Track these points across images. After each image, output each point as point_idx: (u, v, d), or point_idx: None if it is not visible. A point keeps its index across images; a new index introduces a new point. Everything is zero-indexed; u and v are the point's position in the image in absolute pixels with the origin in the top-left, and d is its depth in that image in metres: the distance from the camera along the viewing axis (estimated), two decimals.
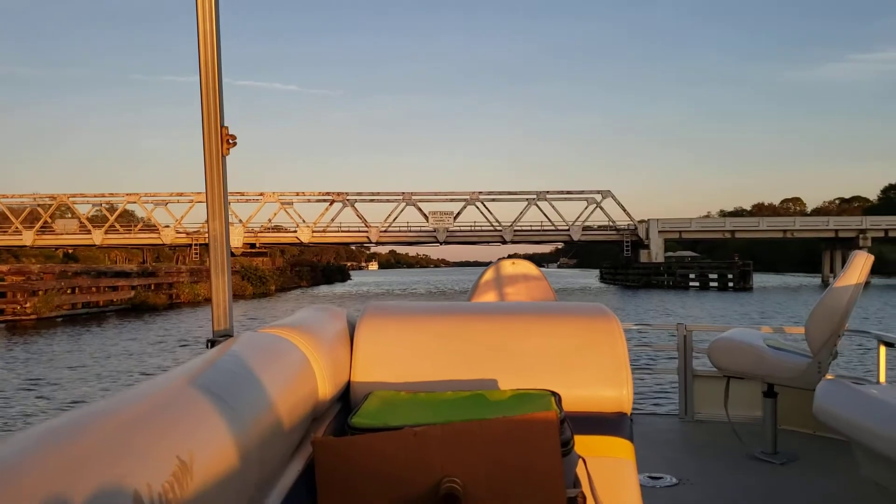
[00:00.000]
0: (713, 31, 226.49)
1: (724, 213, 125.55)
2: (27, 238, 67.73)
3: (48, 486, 0.77)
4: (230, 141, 2.13)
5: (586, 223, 70.10)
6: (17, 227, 68.26)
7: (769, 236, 73.44)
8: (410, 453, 1.42)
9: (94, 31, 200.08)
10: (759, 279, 66.34)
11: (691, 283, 64.56)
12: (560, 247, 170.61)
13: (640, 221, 70.60)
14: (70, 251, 79.13)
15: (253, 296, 55.99)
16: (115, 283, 39.15)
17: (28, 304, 31.95)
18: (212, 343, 2.04)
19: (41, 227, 69.07)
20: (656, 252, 69.26)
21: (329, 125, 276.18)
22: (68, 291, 35.55)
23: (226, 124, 2.16)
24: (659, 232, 69.81)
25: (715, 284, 63.08)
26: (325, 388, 1.80)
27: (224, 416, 1.20)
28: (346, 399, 2.10)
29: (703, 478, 4.11)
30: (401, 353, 2.15)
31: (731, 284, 61.50)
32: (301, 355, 1.76)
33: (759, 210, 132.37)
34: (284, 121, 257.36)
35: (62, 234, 69.63)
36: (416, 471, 1.41)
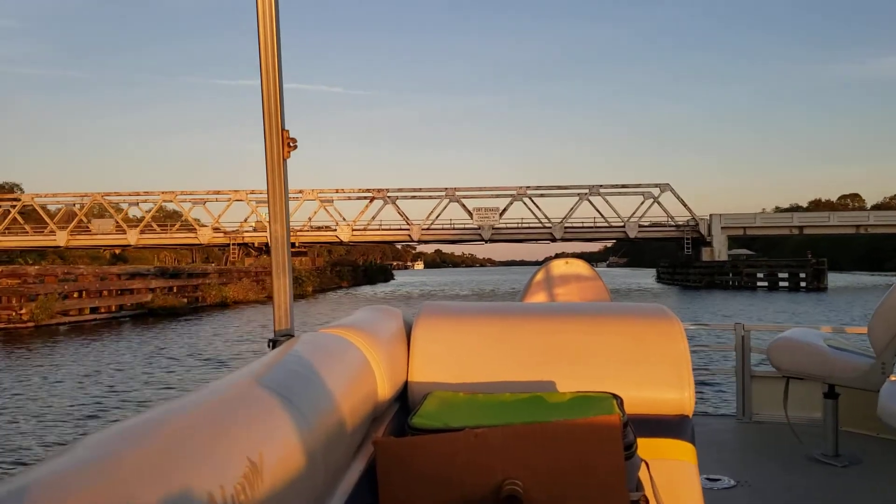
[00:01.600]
0: (765, 27, 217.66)
1: (779, 210, 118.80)
2: (60, 238, 64.70)
3: (123, 490, 0.75)
4: (290, 144, 2.08)
5: (640, 219, 64.33)
6: (52, 228, 65.25)
7: (840, 232, 66.75)
8: (471, 455, 1.40)
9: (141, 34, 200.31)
10: (830, 278, 59.86)
11: (759, 283, 58.32)
12: (609, 245, 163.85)
13: (700, 218, 64.52)
14: (117, 251, 76.50)
15: None
16: (129, 286, 34.89)
17: (24, 311, 27.81)
18: (273, 343, 1.98)
19: (79, 227, 66.11)
20: (719, 249, 62.95)
21: (372, 124, 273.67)
22: (75, 295, 31.46)
23: (286, 128, 2.14)
24: (722, 228, 63.54)
25: (785, 284, 56.65)
26: (385, 388, 1.80)
27: (290, 416, 1.19)
28: (404, 399, 2.08)
29: (762, 480, 3.93)
30: (457, 353, 2.12)
31: (803, 284, 55.17)
32: (361, 355, 1.76)
33: (817, 206, 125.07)
34: (327, 121, 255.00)
35: (97, 234, 66.49)
36: (476, 472, 1.39)
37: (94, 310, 32.30)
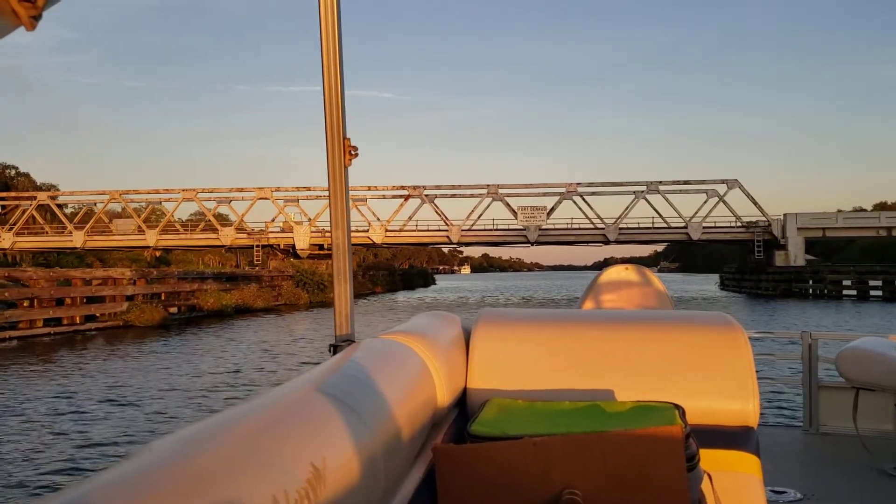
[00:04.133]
0: (834, 27, 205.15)
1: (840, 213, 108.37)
2: (77, 239, 59.04)
3: (189, 494, 0.75)
4: (352, 152, 2.10)
5: (704, 219, 55.77)
6: (70, 229, 59.69)
7: None
8: (530, 463, 1.38)
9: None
10: None
11: (845, 292, 49.47)
12: (658, 250, 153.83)
13: (773, 217, 55.71)
14: (158, 254, 71.40)
15: (309, 305, 44.71)
16: (98, 293, 28.22)
17: None
18: (334, 348, 1.99)
19: (100, 227, 60.56)
20: (795, 254, 54.09)
21: (416, 126, 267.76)
22: (25, 304, 24.98)
23: (348, 136, 2.11)
24: (798, 229, 54.69)
25: (878, 294, 47.55)
26: (444, 395, 1.78)
27: (351, 422, 1.19)
28: (463, 405, 2.05)
29: (830, 493, 3.77)
30: (516, 360, 2.07)
31: None
32: (420, 362, 1.74)
33: (883, 209, 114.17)
34: (370, 122, 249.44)
35: (117, 234, 60.76)
36: (536, 481, 1.37)
37: (51, 322, 25.74)
